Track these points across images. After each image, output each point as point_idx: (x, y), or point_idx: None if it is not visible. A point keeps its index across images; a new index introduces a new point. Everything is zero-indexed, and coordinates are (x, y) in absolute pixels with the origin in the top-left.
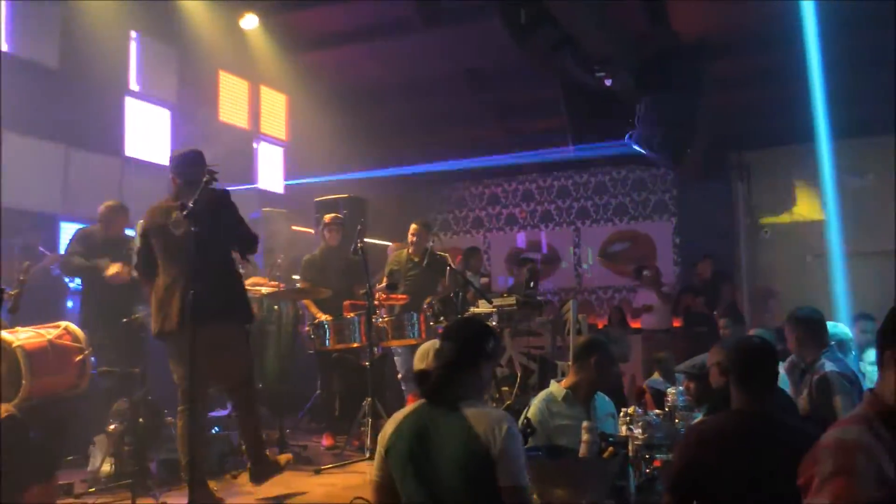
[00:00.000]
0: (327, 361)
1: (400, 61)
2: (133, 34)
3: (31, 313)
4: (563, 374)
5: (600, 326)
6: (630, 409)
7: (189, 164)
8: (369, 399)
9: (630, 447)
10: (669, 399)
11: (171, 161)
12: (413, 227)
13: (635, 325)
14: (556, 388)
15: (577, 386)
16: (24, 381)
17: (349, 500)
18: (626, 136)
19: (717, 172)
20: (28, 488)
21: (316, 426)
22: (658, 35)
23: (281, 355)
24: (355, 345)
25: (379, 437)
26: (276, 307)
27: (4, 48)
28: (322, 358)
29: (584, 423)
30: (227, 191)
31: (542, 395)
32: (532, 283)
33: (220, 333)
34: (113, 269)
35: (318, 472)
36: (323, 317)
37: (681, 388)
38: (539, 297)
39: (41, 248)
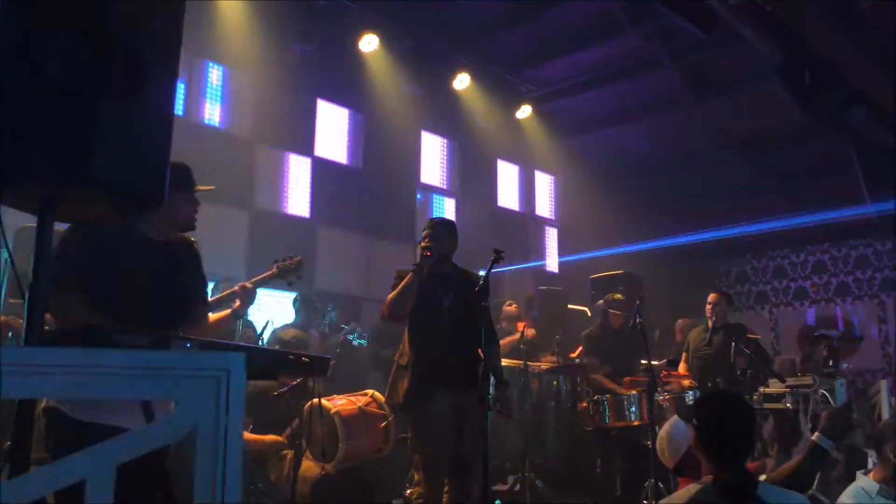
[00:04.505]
0: (607, 439)
1: (670, 135)
2: (422, 133)
3: (340, 382)
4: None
5: None
6: None
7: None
8: (651, 480)
9: None
10: None
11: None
12: (712, 296)
13: None
14: (867, 481)
15: (891, 478)
16: (340, 445)
17: None
18: None
19: None
20: None
21: None
22: None
23: (560, 431)
24: (636, 423)
25: None
26: (554, 382)
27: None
28: (602, 435)
29: None
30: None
31: (850, 490)
32: (831, 363)
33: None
34: None
35: None
36: (622, 390)
37: None
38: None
39: (343, 326)
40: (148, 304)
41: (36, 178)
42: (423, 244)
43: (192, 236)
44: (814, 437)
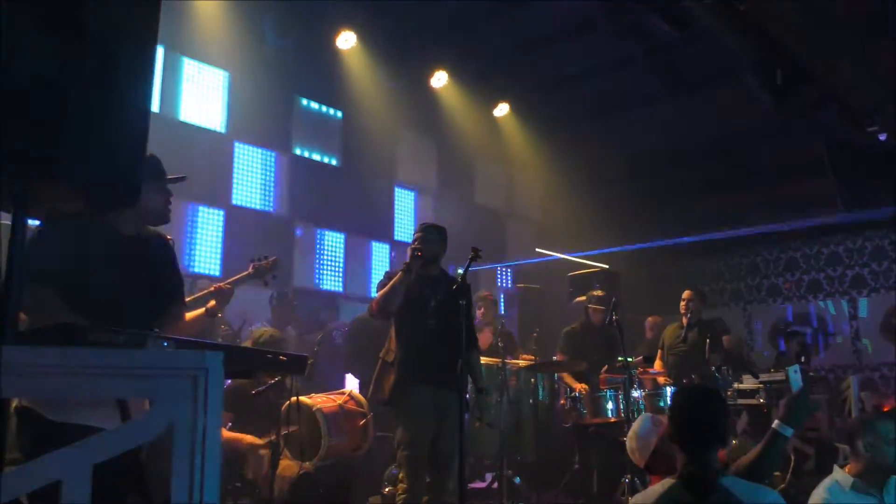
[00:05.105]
0: (584, 435)
1: (648, 132)
2: (400, 130)
3: (318, 380)
4: (846, 459)
5: (886, 409)
6: None
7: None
8: (628, 476)
9: None
10: None
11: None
12: (686, 293)
13: None
14: (842, 475)
15: (864, 472)
16: (322, 441)
17: None
18: None
19: None
20: None
21: (573, 501)
22: None
23: (538, 428)
24: (612, 419)
25: None
26: (532, 380)
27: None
28: (579, 431)
29: None
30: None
31: (825, 484)
32: (803, 358)
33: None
34: None
35: None
36: (578, 387)
37: None
38: (811, 374)
39: (330, 325)
40: (122, 301)
41: (5, 173)
42: (413, 245)
43: (167, 233)
44: (773, 426)
